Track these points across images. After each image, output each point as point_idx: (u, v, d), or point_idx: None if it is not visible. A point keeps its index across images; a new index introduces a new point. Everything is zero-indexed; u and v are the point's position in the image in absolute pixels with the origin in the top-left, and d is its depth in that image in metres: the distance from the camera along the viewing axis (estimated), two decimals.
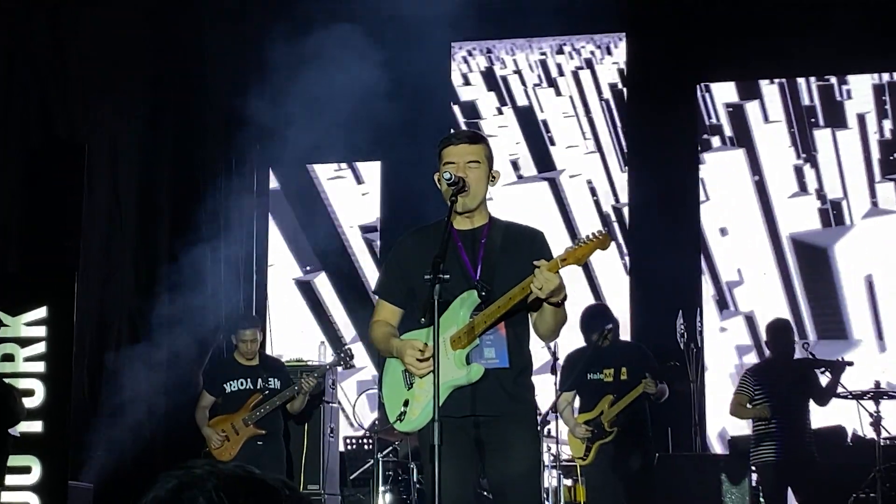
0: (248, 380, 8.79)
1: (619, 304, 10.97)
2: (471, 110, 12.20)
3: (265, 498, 1.82)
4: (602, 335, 8.67)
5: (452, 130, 11.07)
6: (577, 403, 8.96)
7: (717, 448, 10.93)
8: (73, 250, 8.91)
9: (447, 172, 4.70)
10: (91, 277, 9.75)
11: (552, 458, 9.25)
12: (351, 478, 10.15)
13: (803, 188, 11.42)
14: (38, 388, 8.27)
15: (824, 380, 8.75)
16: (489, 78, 12.20)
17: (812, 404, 8.77)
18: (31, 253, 8.90)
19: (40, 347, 8.34)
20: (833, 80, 11.47)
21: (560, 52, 12.07)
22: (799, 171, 11.46)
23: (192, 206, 11.05)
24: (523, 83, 12.13)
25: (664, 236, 11.08)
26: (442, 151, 4.85)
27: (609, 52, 11.99)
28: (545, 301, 4.56)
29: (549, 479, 9.22)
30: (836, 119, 11.46)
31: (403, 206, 10.90)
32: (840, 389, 8.73)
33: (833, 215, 11.34)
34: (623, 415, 8.52)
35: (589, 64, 12.03)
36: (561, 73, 12.07)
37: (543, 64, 12.10)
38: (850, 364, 8.70)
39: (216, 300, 11.02)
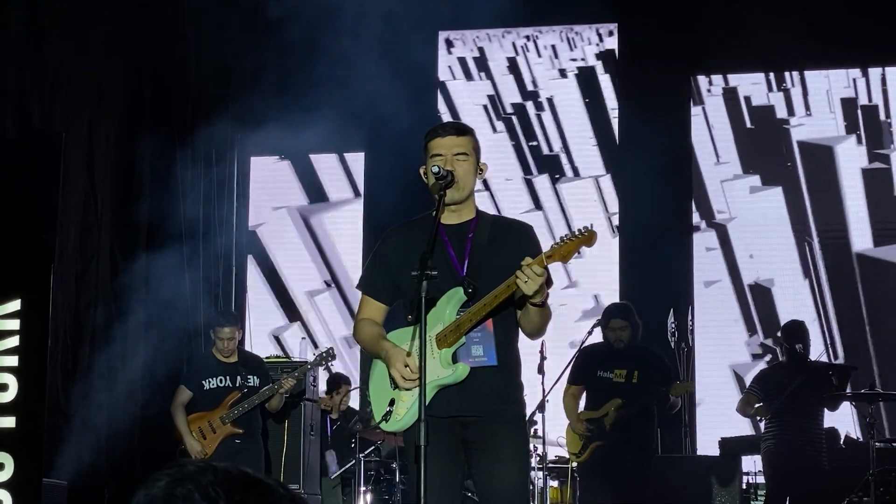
0: (227, 377, 8.69)
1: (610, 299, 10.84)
2: (455, 100, 12.04)
3: (261, 495, 1.77)
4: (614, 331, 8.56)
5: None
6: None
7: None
8: (48, 242, 8.69)
9: (435, 166, 4.58)
10: (66, 270, 9.62)
11: (538, 458, 9.13)
12: (332, 477, 10.01)
13: None
14: (12, 382, 8.04)
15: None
16: (475, 68, 12.04)
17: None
18: (5, 244, 8.69)
19: (14, 341, 8.10)
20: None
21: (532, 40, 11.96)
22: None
23: (171, 197, 10.88)
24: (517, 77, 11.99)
25: (656, 232, 10.95)
26: (428, 144, 4.75)
27: (575, 46, 11.86)
28: (528, 301, 4.46)
29: (536, 480, 9.10)
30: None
31: (388, 198, 10.78)
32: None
33: None
34: (627, 420, 8.41)
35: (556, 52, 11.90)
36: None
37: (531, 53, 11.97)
38: (855, 368, 8.70)
39: (195, 294, 10.90)
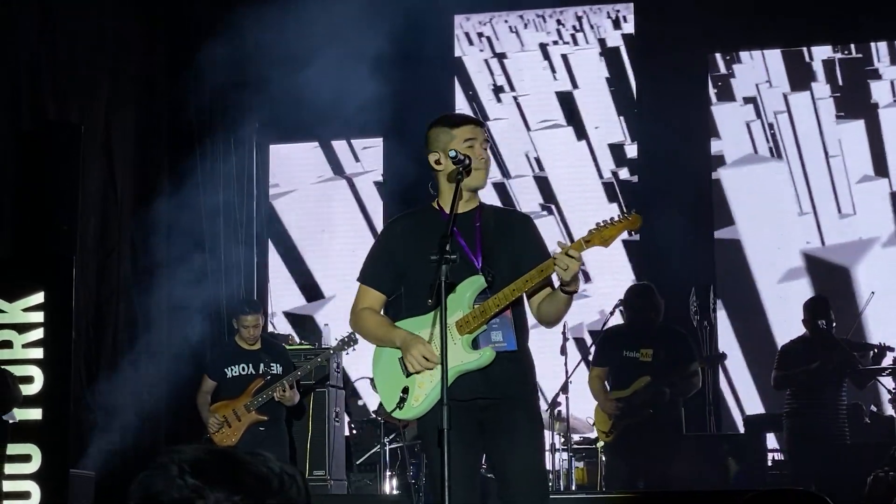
0: (250, 365, 8.69)
1: (628, 280, 10.80)
2: (473, 85, 12.01)
3: (237, 473, 1.75)
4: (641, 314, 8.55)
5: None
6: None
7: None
8: (70, 234, 8.75)
9: (453, 151, 4.59)
10: (88, 261, 9.64)
11: (563, 439, 9.13)
12: (357, 463, 10.04)
13: None
14: (37, 374, 8.13)
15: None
16: (490, 52, 12.00)
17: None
18: (28, 237, 8.74)
19: (38, 333, 8.18)
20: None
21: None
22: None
23: (191, 186, 10.89)
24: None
25: (675, 210, 10.88)
26: (453, 129, 4.72)
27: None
28: (562, 287, 4.49)
29: (561, 462, 9.11)
30: None
31: (406, 184, 10.77)
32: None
33: None
34: (656, 397, 8.41)
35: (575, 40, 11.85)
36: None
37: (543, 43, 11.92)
38: (892, 349, 8.68)
39: (217, 283, 10.89)
